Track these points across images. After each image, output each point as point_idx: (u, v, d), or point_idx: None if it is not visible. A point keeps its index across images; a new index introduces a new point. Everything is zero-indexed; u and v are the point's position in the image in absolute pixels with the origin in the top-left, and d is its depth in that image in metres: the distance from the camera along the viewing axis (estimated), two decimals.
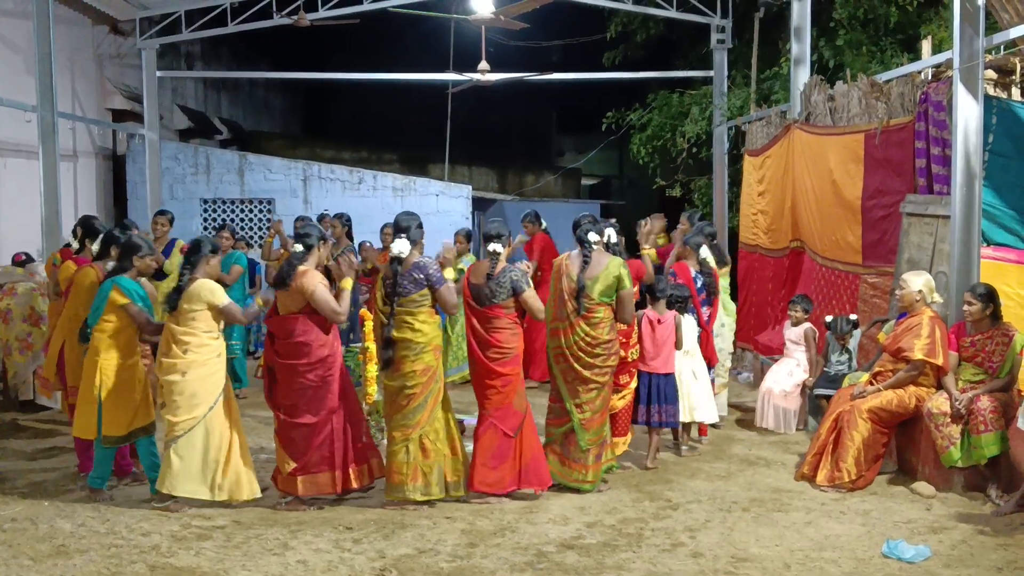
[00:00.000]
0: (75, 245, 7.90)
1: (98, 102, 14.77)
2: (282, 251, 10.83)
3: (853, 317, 8.46)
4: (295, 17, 12.92)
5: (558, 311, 6.87)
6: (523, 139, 27.70)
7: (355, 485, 6.62)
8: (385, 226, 11.17)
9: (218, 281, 6.68)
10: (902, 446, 7.26)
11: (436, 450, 6.54)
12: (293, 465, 6.46)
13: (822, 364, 8.63)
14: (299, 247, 6.57)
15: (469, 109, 19.09)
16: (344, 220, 10.74)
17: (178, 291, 6.45)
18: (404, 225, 6.60)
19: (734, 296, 10.40)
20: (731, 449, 8.15)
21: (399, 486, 6.49)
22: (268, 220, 15.85)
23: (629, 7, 14.46)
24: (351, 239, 10.62)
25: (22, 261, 10.13)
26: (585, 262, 6.83)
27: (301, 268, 6.46)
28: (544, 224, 11.59)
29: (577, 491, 6.85)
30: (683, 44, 16.53)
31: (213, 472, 6.37)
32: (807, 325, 8.79)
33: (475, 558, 5.64)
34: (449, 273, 6.67)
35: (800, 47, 11.24)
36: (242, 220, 15.91)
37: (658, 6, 14.33)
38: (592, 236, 6.86)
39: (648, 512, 6.46)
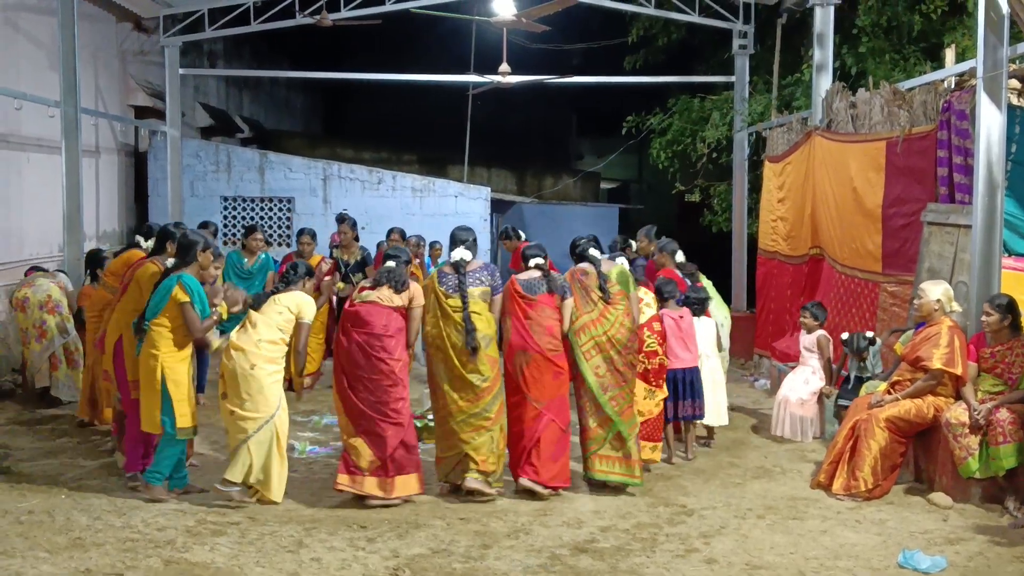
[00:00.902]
0: (145, 245, 8.02)
1: (121, 99, 14.87)
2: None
3: (869, 334, 8.36)
4: (317, 17, 12.97)
5: (583, 306, 7.05)
6: (542, 142, 27.70)
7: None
8: (391, 231, 11.23)
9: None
10: (919, 456, 7.22)
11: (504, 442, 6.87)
12: (376, 463, 6.54)
13: (839, 371, 8.57)
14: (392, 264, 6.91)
15: (489, 111, 19.13)
16: (351, 224, 10.81)
17: (266, 295, 6.75)
18: (462, 238, 7.03)
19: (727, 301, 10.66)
20: (747, 456, 8.12)
21: (491, 472, 6.76)
22: (288, 219, 15.93)
23: (651, 11, 14.44)
24: (357, 241, 10.68)
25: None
26: (596, 264, 7.22)
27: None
28: (523, 235, 11.65)
29: (624, 486, 7.00)
30: (704, 49, 16.49)
31: (276, 468, 6.52)
32: (820, 332, 8.75)
33: (488, 559, 5.64)
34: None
35: (822, 54, 11.21)
36: (262, 218, 15.97)
37: (680, 11, 14.31)
38: (593, 252, 7.28)
39: (663, 517, 6.45)
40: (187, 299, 6.48)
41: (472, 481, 6.69)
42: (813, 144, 10.60)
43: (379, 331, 6.61)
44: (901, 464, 7.10)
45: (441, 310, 6.80)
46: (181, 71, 15.06)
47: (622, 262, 7.54)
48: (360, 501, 6.58)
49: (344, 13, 14.06)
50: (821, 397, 8.64)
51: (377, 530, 6.10)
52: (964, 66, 8.42)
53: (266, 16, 14.53)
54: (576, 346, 6.99)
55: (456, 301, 6.77)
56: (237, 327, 6.70)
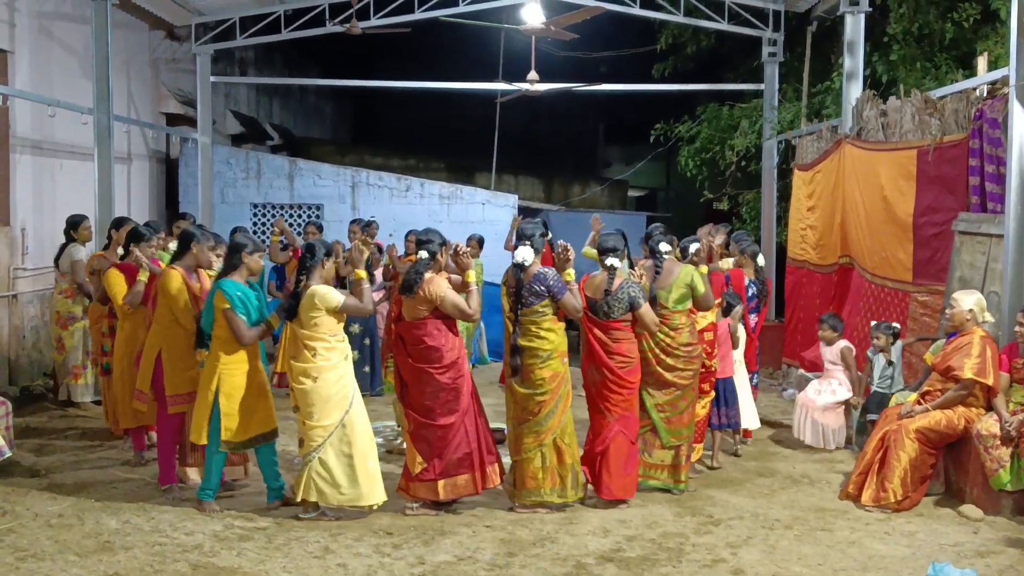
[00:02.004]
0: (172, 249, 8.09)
1: (153, 106, 15.01)
2: (291, 250, 10.96)
3: (896, 325, 8.36)
4: (347, 25, 13.02)
5: None
6: (570, 149, 27.70)
7: (495, 483, 6.65)
8: (410, 233, 11.24)
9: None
10: (950, 468, 7.15)
11: (571, 453, 6.68)
12: (423, 465, 6.49)
13: (865, 381, 8.50)
14: (424, 254, 6.59)
15: (517, 118, 19.13)
16: (362, 225, 11.01)
17: (296, 298, 6.41)
18: (528, 233, 6.70)
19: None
20: (774, 466, 8.07)
21: (534, 490, 6.64)
22: (317, 226, 15.99)
23: (680, 19, 14.40)
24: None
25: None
26: (657, 272, 7.09)
27: (428, 275, 6.52)
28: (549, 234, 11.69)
29: (667, 491, 7.07)
30: (734, 57, 16.44)
31: (358, 476, 6.32)
32: (843, 343, 8.71)
33: (514, 568, 5.63)
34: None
35: (853, 61, 11.14)
36: (291, 225, 16.06)
37: (709, 19, 14.27)
38: (664, 246, 7.13)
39: (689, 527, 6.41)
40: (227, 305, 6.35)
41: (521, 508, 6.66)
42: (843, 152, 10.54)
43: (416, 342, 6.54)
44: (931, 476, 7.03)
45: (506, 317, 6.78)
46: (212, 79, 15.18)
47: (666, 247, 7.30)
48: (429, 505, 6.58)
49: (374, 21, 14.12)
50: (848, 408, 8.57)
51: (403, 536, 6.11)
52: (996, 74, 8.34)
53: (297, 24, 14.62)
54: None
55: (511, 313, 6.69)
56: (287, 343, 6.62)
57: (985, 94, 8.27)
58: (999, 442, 6.54)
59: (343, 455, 6.31)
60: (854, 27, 11.13)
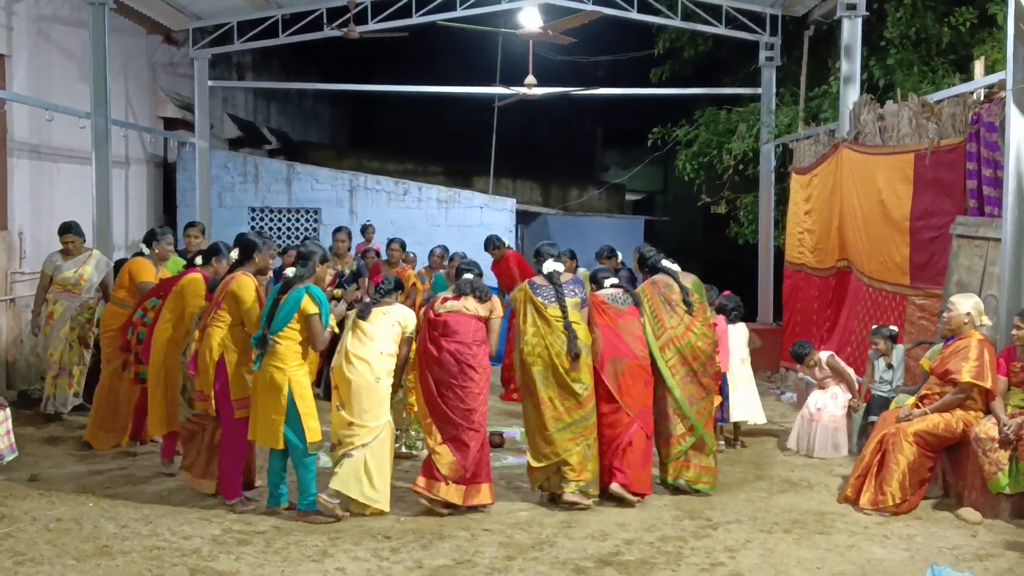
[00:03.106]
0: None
1: (150, 110, 15.01)
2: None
3: (894, 329, 8.40)
4: (345, 29, 13.03)
5: (667, 319, 7.26)
6: (568, 153, 27.72)
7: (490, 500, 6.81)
8: (392, 241, 11.31)
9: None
10: (948, 471, 7.15)
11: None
12: (459, 471, 6.62)
13: (867, 385, 8.51)
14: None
15: (515, 123, 19.16)
16: (347, 232, 11.26)
17: (377, 300, 6.76)
18: (552, 252, 7.26)
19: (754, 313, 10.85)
20: (772, 470, 8.07)
21: (591, 481, 6.89)
22: (314, 230, 16.01)
23: (677, 23, 14.42)
24: (350, 251, 10.90)
25: None
26: (674, 276, 7.45)
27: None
28: (507, 242, 12.07)
29: (699, 493, 7.21)
30: (731, 61, 16.45)
31: (384, 479, 6.57)
32: (821, 354, 8.92)
33: (512, 571, 5.63)
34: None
35: (850, 65, 11.16)
36: (289, 229, 16.08)
37: (707, 23, 14.29)
38: (666, 263, 7.54)
39: (688, 531, 6.41)
40: (316, 311, 6.40)
41: (571, 495, 6.80)
42: (840, 156, 10.55)
43: (468, 340, 6.77)
44: (929, 479, 7.03)
45: (542, 319, 6.92)
46: (210, 83, 15.18)
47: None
48: (430, 506, 6.66)
49: (372, 26, 14.13)
50: (849, 411, 8.58)
51: (401, 540, 6.10)
52: (993, 78, 8.36)
53: (294, 29, 14.63)
54: (661, 360, 7.14)
55: (556, 310, 6.90)
56: (350, 337, 6.65)
57: (982, 98, 8.28)
58: (997, 445, 6.54)
59: (380, 457, 6.54)
60: (851, 31, 11.15)
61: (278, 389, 6.36)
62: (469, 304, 6.86)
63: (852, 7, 11.11)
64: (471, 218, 16.12)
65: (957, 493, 7.01)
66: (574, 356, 6.81)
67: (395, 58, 20.98)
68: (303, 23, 14.50)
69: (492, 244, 11.72)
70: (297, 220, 16.11)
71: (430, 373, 6.77)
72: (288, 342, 6.40)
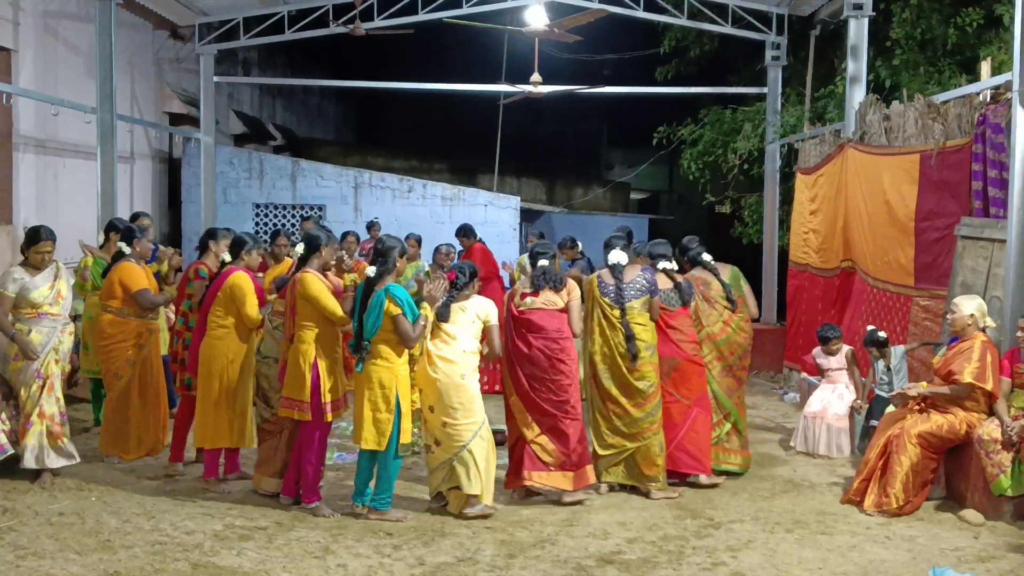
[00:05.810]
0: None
1: (156, 105, 15.03)
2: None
3: (882, 334, 8.39)
4: (351, 26, 13.04)
5: (704, 319, 7.57)
6: (573, 151, 27.75)
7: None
8: (408, 236, 11.16)
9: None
10: (951, 472, 7.14)
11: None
12: (562, 458, 6.80)
13: (871, 384, 8.50)
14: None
15: (520, 120, 19.17)
16: (356, 237, 11.15)
17: (454, 296, 6.66)
18: (615, 243, 7.31)
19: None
20: (775, 470, 8.07)
21: (654, 477, 7.08)
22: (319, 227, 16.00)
23: (683, 22, 14.42)
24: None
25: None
26: (715, 272, 7.67)
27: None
28: (478, 235, 12.07)
29: (736, 474, 7.60)
30: (737, 60, 16.44)
31: (490, 473, 6.59)
32: (848, 348, 8.76)
33: (514, 569, 5.63)
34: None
35: (856, 66, 11.15)
36: (293, 225, 16.08)
37: (713, 22, 14.28)
38: (707, 256, 7.72)
39: (690, 530, 6.41)
40: (399, 311, 6.27)
41: (657, 493, 7.02)
42: (846, 156, 10.54)
43: (555, 335, 6.89)
44: (932, 480, 7.02)
45: (606, 319, 7.10)
46: (216, 79, 15.20)
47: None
48: (527, 497, 6.88)
49: (377, 23, 14.14)
50: (851, 412, 8.57)
51: (403, 537, 6.11)
52: (1000, 79, 8.34)
53: (300, 25, 14.64)
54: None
55: (616, 312, 7.05)
56: (431, 339, 6.57)
57: (988, 99, 8.27)
58: (1000, 447, 6.53)
59: (485, 450, 6.54)
60: (857, 31, 11.13)
61: (386, 387, 6.30)
62: (548, 298, 6.93)
63: (859, 7, 11.10)
64: (476, 216, 16.12)
65: (960, 495, 7.00)
66: (632, 356, 6.98)
67: (400, 55, 21.02)
68: (309, 19, 14.52)
69: (465, 232, 11.72)
70: (302, 216, 16.12)
71: (520, 369, 6.89)
72: (385, 346, 6.33)
